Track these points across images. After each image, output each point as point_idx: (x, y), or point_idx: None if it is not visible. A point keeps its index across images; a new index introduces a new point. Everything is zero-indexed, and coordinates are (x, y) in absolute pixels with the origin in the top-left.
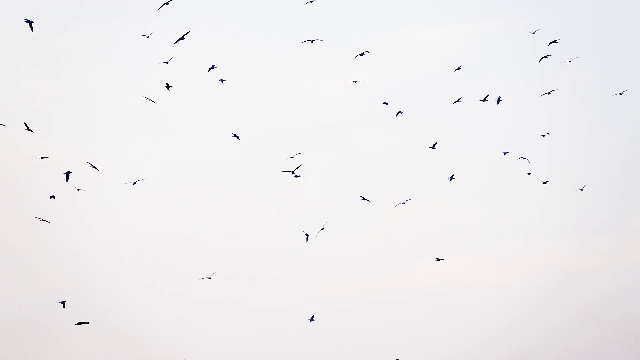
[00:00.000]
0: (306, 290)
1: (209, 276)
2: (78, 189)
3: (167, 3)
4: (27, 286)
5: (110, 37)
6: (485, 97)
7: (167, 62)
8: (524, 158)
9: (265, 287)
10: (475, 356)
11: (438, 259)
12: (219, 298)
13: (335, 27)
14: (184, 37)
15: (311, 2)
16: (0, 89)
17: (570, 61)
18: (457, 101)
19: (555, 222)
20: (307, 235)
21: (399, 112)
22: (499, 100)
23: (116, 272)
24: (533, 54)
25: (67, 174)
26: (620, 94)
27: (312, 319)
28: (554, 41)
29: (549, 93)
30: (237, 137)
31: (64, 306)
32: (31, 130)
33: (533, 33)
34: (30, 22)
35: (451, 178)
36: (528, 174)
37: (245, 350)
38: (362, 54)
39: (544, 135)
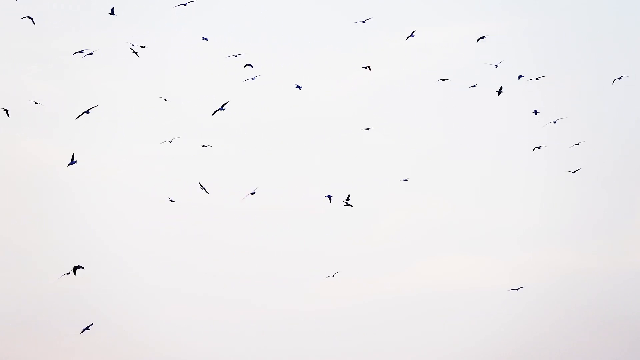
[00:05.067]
0: (309, 289)
1: (253, 191)
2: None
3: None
4: (29, 286)
5: (113, 38)
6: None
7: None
8: (554, 122)
9: (269, 286)
10: (475, 356)
11: None
12: (222, 297)
13: (335, 28)
14: (223, 107)
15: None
16: (3, 88)
17: (537, 78)
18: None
19: (555, 222)
20: (330, 197)
21: (247, 64)
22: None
23: (118, 271)
24: (532, 54)
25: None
26: (619, 78)
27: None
28: (482, 37)
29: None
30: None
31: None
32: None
33: (483, 38)
34: (30, 18)
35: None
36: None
37: (249, 349)
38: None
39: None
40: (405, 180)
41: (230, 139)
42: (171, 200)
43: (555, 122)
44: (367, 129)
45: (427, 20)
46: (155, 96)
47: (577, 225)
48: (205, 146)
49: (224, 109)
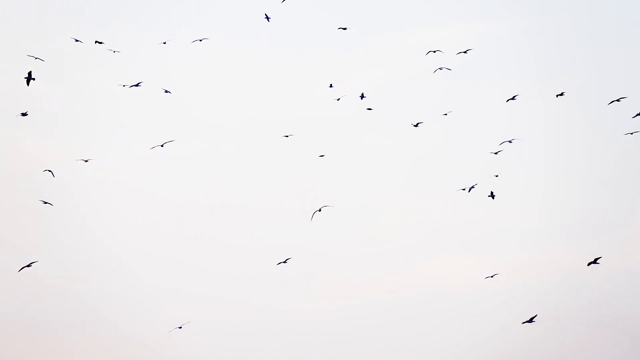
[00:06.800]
0: (310, 289)
1: (321, 207)
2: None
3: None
4: (29, 286)
5: (114, 38)
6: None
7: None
8: (510, 141)
9: (269, 286)
10: (475, 356)
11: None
12: (222, 297)
13: (335, 28)
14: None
15: (344, 29)
16: (3, 89)
17: (466, 51)
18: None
19: (555, 222)
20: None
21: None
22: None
23: (118, 271)
24: (532, 54)
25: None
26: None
27: None
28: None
29: (561, 94)
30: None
31: None
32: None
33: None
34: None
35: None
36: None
37: (249, 349)
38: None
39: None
40: (497, 176)
41: (230, 139)
42: (51, 173)
43: (510, 142)
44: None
45: (427, 20)
46: (154, 94)
47: (577, 225)
48: (287, 136)
49: (139, 85)
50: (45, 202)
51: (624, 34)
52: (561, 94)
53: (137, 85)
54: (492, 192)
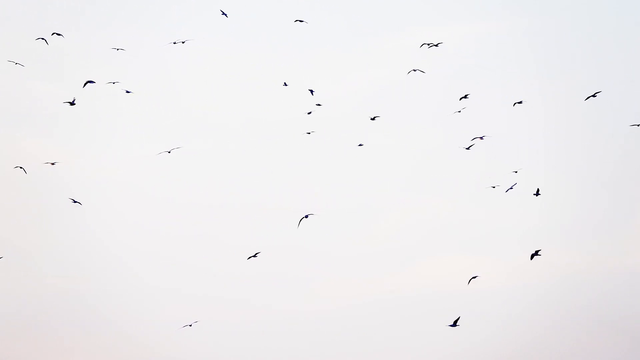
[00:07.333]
0: (310, 289)
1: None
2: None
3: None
4: (30, 286)
5: (114, 38)
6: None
7: (182, 42)
8: (481, 138)
9: (269, 286)
10: (475, 356)
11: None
12: (222, 297)
13: (336, 27)
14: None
15: (301, 22)
16: (3, 89)
17: (437, 45)
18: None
19: (555, 222)
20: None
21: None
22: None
23: (118, 271)
24: (532, 54)
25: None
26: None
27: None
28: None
29: (519, 102)
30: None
31: None
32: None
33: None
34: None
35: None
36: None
37: (249, 349)
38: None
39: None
40: (516, 171)
41: (230, 139)
42: (24, 170)
43: (482, 138)
44: (373, 118)
45: (427, 20)
46: (156, 99)
47: (577, 225)
48: (309, 133)
49: (93, 82)
50: (75, 201)
51: (624, 34)
52: (519, 102)
53: (90, 82)
54: (538, 190)
